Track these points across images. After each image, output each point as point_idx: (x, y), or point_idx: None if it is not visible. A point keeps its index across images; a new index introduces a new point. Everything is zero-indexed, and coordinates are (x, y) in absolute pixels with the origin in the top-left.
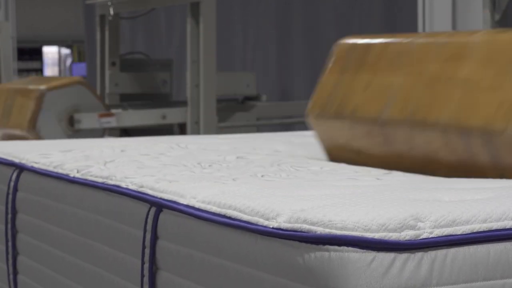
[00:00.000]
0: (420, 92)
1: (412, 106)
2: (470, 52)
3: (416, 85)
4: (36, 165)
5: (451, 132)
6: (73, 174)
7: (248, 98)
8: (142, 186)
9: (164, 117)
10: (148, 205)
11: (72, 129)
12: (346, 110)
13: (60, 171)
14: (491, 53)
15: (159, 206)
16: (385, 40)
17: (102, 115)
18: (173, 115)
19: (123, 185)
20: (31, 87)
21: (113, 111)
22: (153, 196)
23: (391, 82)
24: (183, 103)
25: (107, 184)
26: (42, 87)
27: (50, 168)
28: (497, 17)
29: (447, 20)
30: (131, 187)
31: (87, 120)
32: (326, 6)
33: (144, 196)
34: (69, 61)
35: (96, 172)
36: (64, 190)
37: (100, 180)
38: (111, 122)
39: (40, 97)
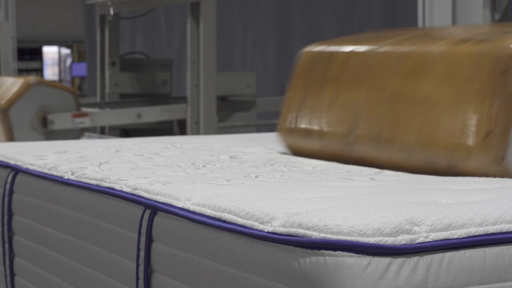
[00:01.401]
0: (384, 111)
1: (377, 128)
2: (430, 66)
3: (379, 104)
4: (31, 167)
5: (416, 154)
6: (68, 176)
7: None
8: (136, 189)
9: (139, 116)
10: (143, 208)
11: (46, 130)
12: (314, 129)
13: (54, 173)
14: (449, 69)
15: (153, 208)
16: (348, 50)
17: (75, 115)
18: (148, 114)
19: (117, 187)
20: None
21: (88, 110)
22: (148, 199)
23: (355, 99)
24: (162, 102)
25: (101, 187)
26: (2, 104)
27: (45, 170)
28: (497, 16)
29: (447, 20)
30: (125, 189)
31: (61, 121)
32: (326, 6)
33: (139, 198)
34: (69, 61)
35: (91, 174)
36: (58, 192)
37: (94, 182)
38: (85, 122)
39: (5, 114)
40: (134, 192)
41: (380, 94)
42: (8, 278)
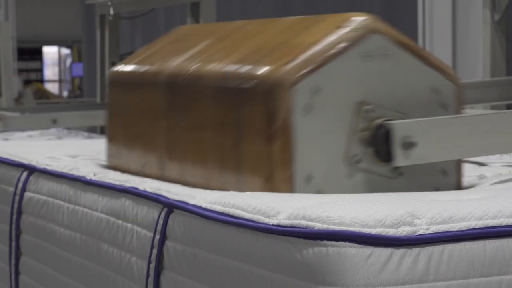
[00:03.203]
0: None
1: (180, 155)
2: (201, 94)
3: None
4: (49, 167)
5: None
6: (90, 176)
7: None
8: (159, 189)
9: (54, 121)
10: (161, 206)
11: None
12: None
13: (76, 173)
14: (218, 99)
15: (170, 206)
16: (141, 71)
17: None
18: (65, 120)
19: (141, 187)
20: None
21: (3, 114)
22: (167, 198)
23: (156, 128)
24: (80, 108)
25: (125, 186)
26: None
27: (65, 170)
28: (497, 17)
29: (447, 20)
30: (148, 189)
31: None
32: (326, 6)
33: (159, 197)
34: (69, 61)
35: (114, 176)
36: (78, 191)
37: (118, 182)
38: None
39: None
40: (157, 191)
41: (172, 123)
42: (13, 277)
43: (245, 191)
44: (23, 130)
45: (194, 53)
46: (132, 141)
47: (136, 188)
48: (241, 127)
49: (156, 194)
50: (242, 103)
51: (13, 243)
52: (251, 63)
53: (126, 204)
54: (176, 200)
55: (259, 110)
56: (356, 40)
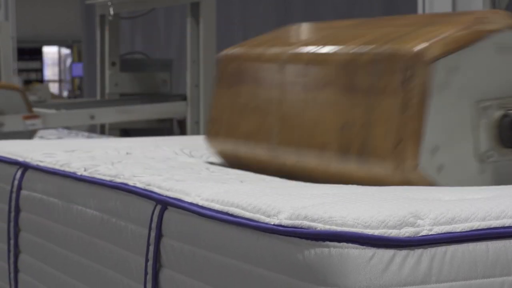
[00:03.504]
0: (300, 119)
1: (295, 135)
2: (335, 75)
3: (291, 113)
4: (41, 164)
5: (332, 167)
6: (81, 172)
7: None
8: (149, 184)
9: (92, 117)
10: (154, 203)
11: None
12: (238, 138)
13: (67, 169)
14: (354, 78)
15: (164, 203)
16: (261, 52)
17: (26, 117)
18: (101, 116)
19: (131, 183)
20: None
21: (40, 111)
22: (159, 194)
23: (270, 106)
24: (111, 103)
25: (115, 182)
26: None
27: (57, 167)
28: None
29: None
30: (138, 185)
31: (12, 123)
32: (326, 6)
33: (151, 194)
34: (69, 61)
35: (104, 170)
36: (70, 188)
37: (108, 178)
38: (36, 124)
39: None
40: (147, 187)
41: (295, 101)
42: (12, 275)
43: (369, 159)
44: (62, 127)
45: (318, 38)
46: (242, 119)
47: (126, 184)
48: (375, 97)
49: (147, 191)
50: (379, 76)
51: (12, 241)
52: (385, 43)
53: (117, 201)
54: (170, 197)
55: (394, 84)
56: (493, 31)
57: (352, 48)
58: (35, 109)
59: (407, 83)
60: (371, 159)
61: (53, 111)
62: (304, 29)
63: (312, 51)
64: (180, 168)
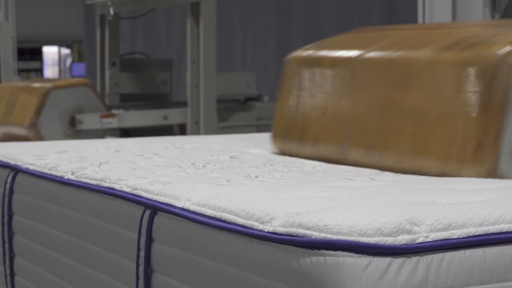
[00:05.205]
0: (374, 121)
1: (369, 137)
2: (416, 75)
3: (369, 113)
4: (31, 167)
5: (409, 164)
6: (68, 176)
7: (250, 99)
8: (136, 189)
9: (165, 117)
10: (143, 208)
11: (73, 129)
12: (307, 138)
13: (54, 173)
14: (435, 78)
15: (154, 208)
16: (335, 55)
17: (103, 116)
18: (174, 116)
19: (117, 187)
20: (36, 85)
21: (115, 111)
22: (148, 199)
23: (345, 108)
24: (184, 104)
25: (101, 187)
26: (48, 85)
27: (45, 170)
28: (497, 17)
29: (447, 20)
30: (125, 189)
31: (89, 121)
32: (326, 6)
33: (139, 198)
34: (69, 61)
35: (91, 174)
36: (58, 192)
37: (94, 182)
38: (113, 122)
39: (45, 95)
40: (134, 192)
41: (369, 104)
42: (8, 278)
43: (450, 161)
44: (138, 126)
45: (390, 43)
46: (311, 121)
47: (112, 189)
48: (455, 100)
49: (135, 195)
50: (462, 79)
51: (7, 245)
52: (463, 48)
53: (105, 205)
54: (160, 202)
55: (480, 85)
56: None
57: (432, 52)
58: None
59: (489, 87)
60: (452, 161)
61: (121, 111)
62: (372, 33)
63: (389, 53)
64: (167, 166)
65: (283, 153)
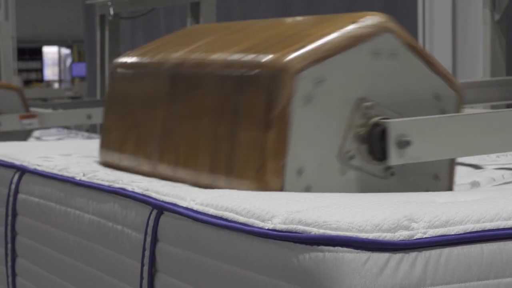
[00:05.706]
0: (172, 135)
1: (171, 153)
2: (198, 86)
3: (168, 126)
4: (39, 168)
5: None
6: (79, 177)
7: None
8: (147, 190)
9: (89, 117)
10: (151, 208)
11: None
12: (126, 150)
13: (65, 174)
14: (214, 88)
15: (160, 208)
16: (144, 60)
17: (23, 117)
18: (98, 115)
19: (129, 188)
20: None
21: (37, 111)
22: (155, 199)
23: (144, 121)
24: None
25: (113, 187)
26: None
27: (55, 171)
28: (497, 17)
29: (447, 20)
30: (137, 190)
31: (7, 122)
32: (326, 6)
33: (147, 199)
34: (69, 61)
35: (103, 176)
36: (68, 193)
37: (106, 183)
38: (33, 123)
39: None
40: (145, 192)
41: (169, 114)
42: (10, 279)
43: (235, 180)
44: (59, 126)
45: (200, 45)
46: (127, 132)
47: (124, 189)
48: (239, 114)
49: (145, 196)
50: (243, 90)
51: (9, 245)
52: (257, 52)
53: (115, 205)
54: (165, 202)
55: (259, 97)
56: (366, 36)
57: (227, 56)
58: (33, 109)
59: (269, 98)
60: (237, 181)
61: (49, 110)
62: (196, 32)
63: (187, 60)
64: None
65: (107, 165)
